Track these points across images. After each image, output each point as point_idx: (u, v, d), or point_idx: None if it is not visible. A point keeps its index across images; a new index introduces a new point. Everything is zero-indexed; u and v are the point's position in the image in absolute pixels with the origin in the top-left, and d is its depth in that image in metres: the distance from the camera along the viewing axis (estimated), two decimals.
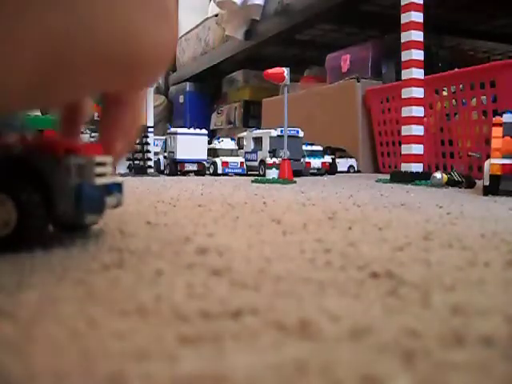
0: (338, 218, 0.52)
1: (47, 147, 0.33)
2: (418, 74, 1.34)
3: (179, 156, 1.66)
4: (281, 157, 1.43)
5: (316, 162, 1.84)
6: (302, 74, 2.66)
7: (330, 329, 0.19)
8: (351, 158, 2.16)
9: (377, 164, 2.17)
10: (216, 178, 1.60)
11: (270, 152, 1.66)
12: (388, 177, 1.41)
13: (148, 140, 1.61)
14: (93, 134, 1.85)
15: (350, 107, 2.19)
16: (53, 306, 0.21)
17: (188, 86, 2.75)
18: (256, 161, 1.76)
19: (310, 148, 1.86)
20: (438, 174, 1.16)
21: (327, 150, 2.04)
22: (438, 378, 0.15)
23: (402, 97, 1.38)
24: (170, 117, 2.87)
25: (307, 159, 1.82)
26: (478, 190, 1.02)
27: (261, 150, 1.73)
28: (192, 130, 1.68)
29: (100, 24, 0.26)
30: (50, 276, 0.26)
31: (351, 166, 2.14)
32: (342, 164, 2.12)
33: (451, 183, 1.14)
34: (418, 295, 0.24)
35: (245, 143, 1.83)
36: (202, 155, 1.69)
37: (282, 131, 1.57)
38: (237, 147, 1.87)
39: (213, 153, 1.80)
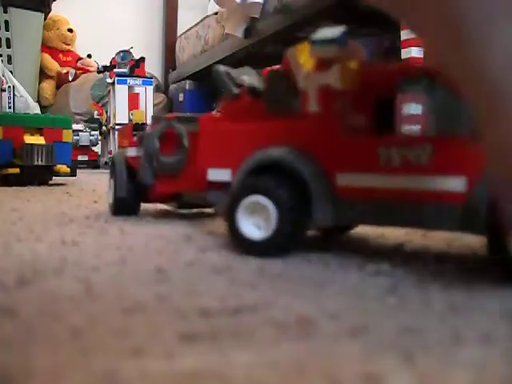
0: None
1: None
2: None
3: None
4: None
5: None
6: None
7: (329, 326, 0.19)
8: None
9: None
10: None
11: None
12: None
13: None
14: (92, 133, 1.85)
15: None
16: (53, 304, 0.21)
17: (187, 84, 2.74)
18: None
19: None
20: None
21: None
22: (437, 376, 0.15)
23: None
24: None
25: None
26: None
27: None
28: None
29: None
30: (51, 273, 0.26)
31: None
32: None
33: None
34: (418, 293, 0.23)
35: None
36: None
37: None
38: None
39: None
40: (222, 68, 0.36)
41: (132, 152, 0.49)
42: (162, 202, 0.51)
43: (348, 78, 0.30)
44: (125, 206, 0.50)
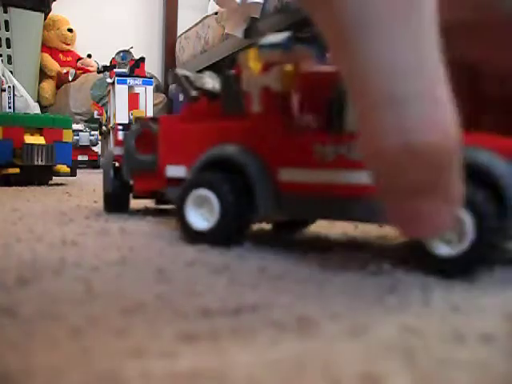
0: None
1: None
2: None
3: None
4: None
5: None
6: None
7: (330, 326, 0.19)
8: None
9: None
10: None
11: None
12: None
13: None
14: (92, 133, 1.85)
15: None
16: (53, 304, 0.21)
17: None
18: None
19: None
20: None
21: None
22: (438, 376, 0.15)
23: None
24: (169, 115, 2.87)
25: None
26: None
27: None
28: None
29: None
30: (51, 273, 0.26)
31: None
32: None
33: None
34: (418, 293, 0.23)
35: None
36: None
37: None
38: None
39: None
40: (180, 72, 0.39)
41: (117, 151, 0.53)
42: (143, 197, 0.54)
43: (286, 80, 0.33)
44: (113, 202, 0.53)
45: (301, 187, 0.32)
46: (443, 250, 0.26)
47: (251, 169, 0.33)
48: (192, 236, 0.35)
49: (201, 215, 0.35)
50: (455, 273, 0.26)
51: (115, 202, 0.53)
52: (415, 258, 0.28)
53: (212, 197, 0.34)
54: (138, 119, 0.50)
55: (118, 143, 0.53)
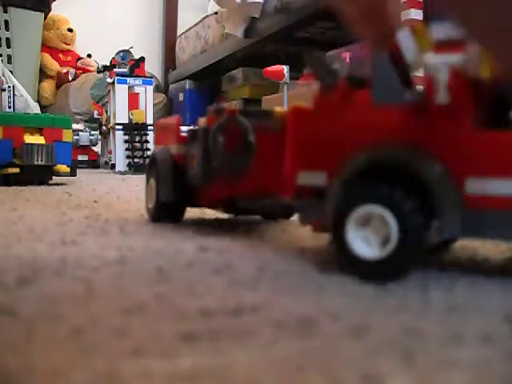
0: None
1: None
2: None
3: None
4: None
5: None
6: (302, 71, 2.67)
7: (330, 326, 0.19)
8: None
9: None
10: None
11: None
12: None
13: (148, 138, 1.61)
14: (92, 132, 1.85)
15: None
16: (53, 304, 0.21)
17: (187, 83, 2.74)
18: None
19: None
20: None
21: None
22: (438, 376, 0.15)
23: None
24: (169, 115, 2.88)
25: None
26: None
27: None
28: (192, 128, 1.67)
29: None
30: (51, 273, 0.26)
31: None
32: None
33: None
34: (417, 293, 0.23)
35: None
36: None
37: None
38: None
39: None
40: (317, 54, 0.32)
41: (180, 150, 0.45)
42: (213, 207, 0.45)
43: (487, 64, 0.26)
44: (169, 211, 0.45)
45: (500, 202, 0.25)
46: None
47: (432, 178, 0.26)
48: (354, 264, 0.27)
49: (364, 238, 0.27)
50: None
51: (172, 211, 0.45)
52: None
53: (388, 216, 0.26)
54: (220, 111, 0.40)
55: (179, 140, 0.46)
